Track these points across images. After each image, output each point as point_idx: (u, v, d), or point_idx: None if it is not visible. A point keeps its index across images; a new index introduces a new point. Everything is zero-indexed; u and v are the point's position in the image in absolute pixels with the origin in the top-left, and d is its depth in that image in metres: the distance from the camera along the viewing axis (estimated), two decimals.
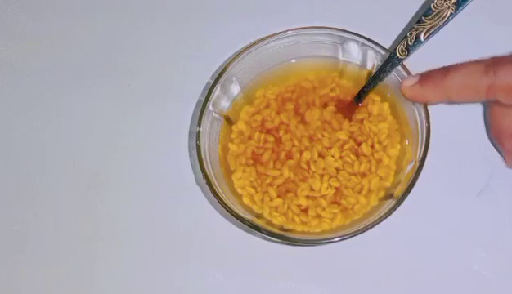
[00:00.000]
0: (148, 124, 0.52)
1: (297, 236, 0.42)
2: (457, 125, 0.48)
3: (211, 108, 0.45)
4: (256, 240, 0.46)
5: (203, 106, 0.45)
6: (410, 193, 0.40)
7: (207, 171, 0.43)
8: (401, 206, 0.41)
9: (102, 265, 0.48)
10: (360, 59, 0.47)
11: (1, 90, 0.55)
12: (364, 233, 0.40)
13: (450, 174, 0.47)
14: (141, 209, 0.49)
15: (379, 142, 0.45)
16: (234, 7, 0.55)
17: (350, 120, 0.46)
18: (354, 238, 0.40)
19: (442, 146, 0.46)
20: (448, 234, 0.46)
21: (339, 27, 0.45)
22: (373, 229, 0.40)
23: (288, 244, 0.45)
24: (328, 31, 0.46)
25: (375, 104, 0.46)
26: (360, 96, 0.45)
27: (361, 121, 0.46)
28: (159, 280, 0.46)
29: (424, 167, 0.41)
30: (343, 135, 0.45)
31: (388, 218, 0.40)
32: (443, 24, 0.39)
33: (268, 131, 0.46)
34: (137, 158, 0.51)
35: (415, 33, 0.40)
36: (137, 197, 0.49)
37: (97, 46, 0.56)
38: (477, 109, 0.49)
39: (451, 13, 0.39)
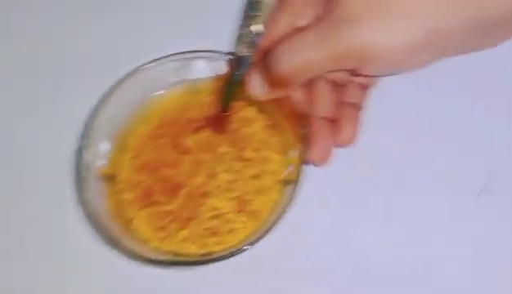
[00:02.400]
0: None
1: (218, 254, 0.41)
2: (457, 125, 0.49)
3: (87, 172, 0.44)
4: None
5: (79, 174, 0.43)
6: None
7: (111, 232, 0.42)
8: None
9: None
10: (213, 72, 0.48)
11: None
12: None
13: (450, 174, 0.48)
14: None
15: (260, 141, 0.46)
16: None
17: (226, 132, 0.47)
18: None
19: (441, 146, 0.48)
20: (448, 234, 0.46)
21: (179, 51, 0.46)
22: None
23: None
24: (171, 58, 0.46)
25: (243, 109, 0.47)
26: (224, 106, 0.46)
27: (237, 129, 0.47)
28: None
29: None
30: (224, 149, 0.46)
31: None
32: (271, 9, 0.41)
33: (153, 171, 0.46)
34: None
35: (249, 29, 0.42)
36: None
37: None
38: (476, 109, 0.50)
39: None
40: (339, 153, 0.45)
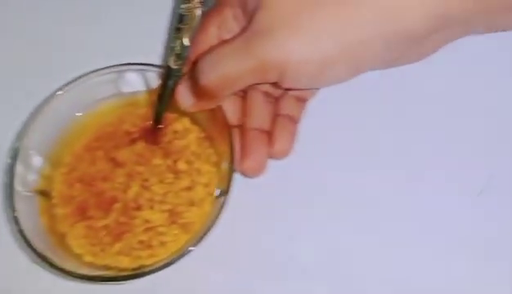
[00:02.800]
0: None
1: (150, 268, 0.41)
2: (457, 125, 0.50)
3: (19, 188, 0.43)
4: None
5: (10, 190, 0.43)
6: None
7: (39, 249, 0.41)
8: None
9: None
10: (144, 84, 0.48)
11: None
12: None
13: (450, 174, 0.48)
14: None
15: (193, 153, 0.47)
16: None
17: (159, 145, 0.47)
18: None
19: (441, 146, 0.48)
20: (448, 234, 0.45)
21: (109, 65, 0.47)
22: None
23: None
24: (104, 72, 0.47)
25: (176, 121, 0.48)
26: (158, 118, 0.46)
27: (170, 141, 0.47)
28: None
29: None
30: (157, 161, 0.46)
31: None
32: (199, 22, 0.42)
33: (87, 185, 0.46)
34: None
35: (178, 41, 0.42)
36: None
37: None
38: (476, 109, 0.50)
39: (200, 11, 0.41)
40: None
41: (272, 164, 0.45)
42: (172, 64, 0.43)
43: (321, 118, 0.48)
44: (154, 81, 0.47)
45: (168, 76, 0.44)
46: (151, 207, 0.44)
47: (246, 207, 0.47)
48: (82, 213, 0.45)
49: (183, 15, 0.42)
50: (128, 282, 0.40)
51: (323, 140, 0.49)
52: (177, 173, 0.46)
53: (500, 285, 0.44)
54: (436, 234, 0.46)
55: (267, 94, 0.46)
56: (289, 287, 0.45)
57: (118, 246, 0.43)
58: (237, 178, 0.43)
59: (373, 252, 0.45)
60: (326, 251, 0.46)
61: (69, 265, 0.41)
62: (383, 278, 0.44)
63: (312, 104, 0.48)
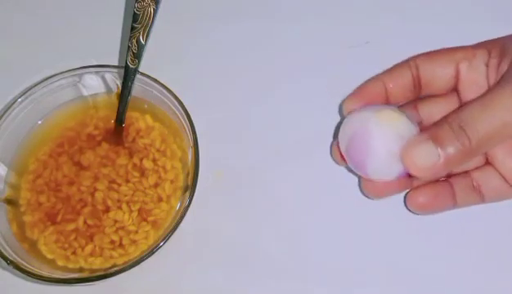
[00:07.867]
0: None
1: (122, 267, 0.41)
2: None
3: None
4: None
5: None
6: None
7: (9, 257, 0.41)
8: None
9: None
10: (104, 86, 0.48)
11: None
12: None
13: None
14: None
15: (158, 150, 0.47)
16: None
17: (123, 145, 0.47)
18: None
19: None
20: (448, 234, 0.46)
21: (67, 69, 0.47)
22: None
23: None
24: (62, 76, 0.47)
25: (138, 120, 0.48)
26: (120, 118, 0.47)
27: (134, 140, 0.47)
28: None
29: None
30: (123, 161, 0.46)
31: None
32: (153, 20, 0.42)
33: (55, 191, 0.46)
34: None
35: (134, 40, 0.43)
36: None
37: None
38: None
39: (154, 9, 0.42)
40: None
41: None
42: (130, 63, 0.44)
43: None
44: (113, 82, 0.47)
45: (127, 75, 0.44)
46: (120, 208, 0.45)
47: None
48: (51, 219, 0.45)
49: (137, 14, 0.42)
50: (101, 281, 0.41)
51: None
52: (143, 171, 0.46)
53: (501, 284, 0.44)
54: (436, 234, 0.46)
55: None
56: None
57: (89, 247, 0.44)
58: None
59: (372, 252, 0.45)
60: (325, 251, 0.46)
61: (43, 270, 0.41)
62: (382, 278, 0.45)
63: None
